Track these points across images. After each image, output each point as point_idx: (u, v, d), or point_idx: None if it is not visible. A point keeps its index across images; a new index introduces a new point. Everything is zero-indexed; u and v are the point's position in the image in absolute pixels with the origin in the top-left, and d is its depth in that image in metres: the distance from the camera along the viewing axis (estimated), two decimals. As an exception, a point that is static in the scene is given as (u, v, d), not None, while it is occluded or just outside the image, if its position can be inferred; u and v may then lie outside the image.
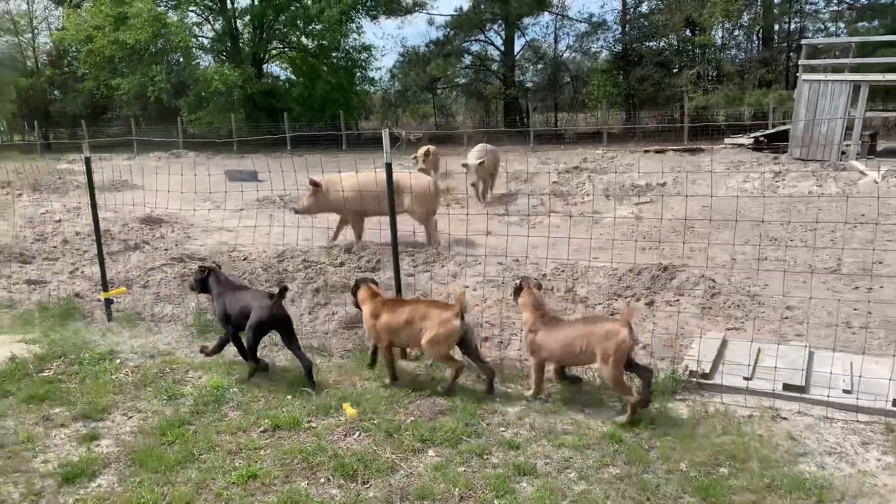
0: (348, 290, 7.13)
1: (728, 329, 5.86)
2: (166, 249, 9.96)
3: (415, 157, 15.74)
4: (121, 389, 4.88)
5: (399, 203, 9.86)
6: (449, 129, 34.28)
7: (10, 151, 33.54)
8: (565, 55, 37.90)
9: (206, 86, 33.26)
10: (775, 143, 23.36)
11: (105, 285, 6.45)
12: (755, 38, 34.08)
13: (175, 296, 7.13)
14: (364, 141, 34.86)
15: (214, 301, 5.26)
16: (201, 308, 6.57)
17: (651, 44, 35.23)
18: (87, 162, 6.37)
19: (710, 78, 31.60)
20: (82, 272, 8.71)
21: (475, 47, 38.61)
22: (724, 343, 5.13)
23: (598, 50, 37.78)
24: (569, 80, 38.01)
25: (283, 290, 5.00)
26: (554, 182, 16.62)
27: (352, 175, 9.98)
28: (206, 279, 5.36)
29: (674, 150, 24.79)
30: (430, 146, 15.82)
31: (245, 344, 5.03)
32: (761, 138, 24.29)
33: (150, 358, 5.52)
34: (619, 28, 36.12)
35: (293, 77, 37.35)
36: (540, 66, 38.19)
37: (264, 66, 39.05)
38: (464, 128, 35.87)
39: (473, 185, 13.51)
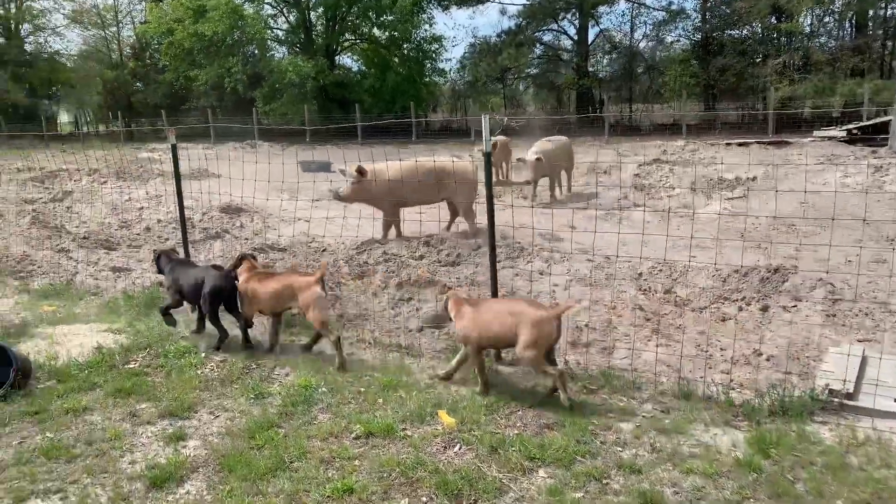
0: (432, 285, 6.86)
1: (859, 341, 5.26)
2: (247, 239, 9.89)
3: (480, 150, 14.76)
4: (206, 385, 4.69)
5: (442, 191, 9.77)
6: (542, 117, 33.64)
7: (95, 140, 34.78)
8: (641, 44, 36.68)
9: (280, 77, 33.67)
10: (870, 136, 21.96)
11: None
12: (847, 24, 32.14)
13: None
14: (433, 132, 34.69)
15: (167, 276, 5.85)
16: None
17: (732, 32, 33.68)
18: (174, 149, 6.24)
19: (797, 67, 29.92)
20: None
21: (547, 37, 37.82)
22: (864, 359, 4.56)
23: (675, 39, 36.48)
24: (644, 69, 36.76)
25: (240, 259, 5.60)
26: (635, 175, 15.94)
27: (395, 164, 9.73)
28: (158, 259, 6.02)
29: (758, 142, 23.60)
30: (499, 137, 14.98)
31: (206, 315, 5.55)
32: (854, 131, 22.87)
33: (235, 352, 5.33)
34: (699, 16, 34.68)
35: (364, 68, 37.38)
36: (614, 55, 37.06)
37: (336, 57, 39.26)
38: (536, 118, 35.20)
39: (530, 182, 12.87)
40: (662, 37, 36.37)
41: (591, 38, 36.87)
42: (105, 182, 17.55)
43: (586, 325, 5.56)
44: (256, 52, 35.94)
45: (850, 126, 23.27)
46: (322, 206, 11.21)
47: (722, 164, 15.92)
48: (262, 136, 31.67)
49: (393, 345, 5.35)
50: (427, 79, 38.35)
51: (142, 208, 13.39)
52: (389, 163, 9.71)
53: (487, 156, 4.92)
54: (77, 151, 27.85)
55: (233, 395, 4.55)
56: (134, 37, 41.36)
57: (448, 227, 10.34)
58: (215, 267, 5.71)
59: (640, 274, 7.23)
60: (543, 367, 4.26)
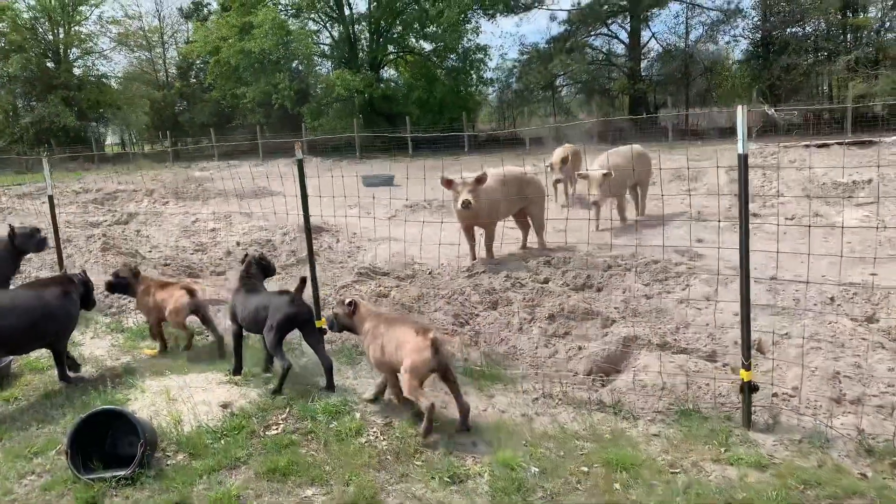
0: (590, 317, 5.84)
1: None
2: (342, 263, 8.97)
3: (549, 166, 12.45)
4: (380, 462, 3.72)
5: (521, 202, 8.98)
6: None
7: (143, 161, 34.63)
8: (697, 46, 35.29)
9: (328, 91, 33.15)
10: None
11: (318, 311, 5.38)
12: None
13: None
14: (480, 143, 33.79)
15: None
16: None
17: (794, 29, 32.17)
18: (300, 165, 5.35)
19: (868, 63, 28.29)
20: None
21: (598, 42, 36.70)
22: None
23: (731, 39, 35.07)
24: (702, 72, 35.38)
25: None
26: (732, 181, 14.75)
27: (495, 172, 8.92)
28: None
29: (839, 143, 22.19)
30: (567, 147, 12.81)
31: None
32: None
33: (400, 413, 4.35)
34: (759, 14, 33.23)
35: (411, 80, 36.66)
36: (669, 58, 35.74)
37: (382, 70, 38.66)
38: (582, 126, 34.08)
39: (595, 201, 10.37)
40: (719, 37, 34.99)
41: (643, 40, 35.71)
42: (167, 203, 16.94)
43: (836, 374, 4.44)
44: (302, 67, 35.50)
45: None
46: (399, 222, 10.34)
47: (808, 168, 14.73)
48: (310, 152, 31.14)
49: (592, 402, 4.31)
50: (473, 88, 37.59)
51: (213, 230, 12.65)
52: (491, 171, 8.86)
53: (744, 158, 3.87)
54: (129, 172, 27.63)
55: (419, 476, 3.57)
56: (179, 56, 41.32)
57: (524, 245, 9.51)
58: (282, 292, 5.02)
59: (832, 298, 6.10)
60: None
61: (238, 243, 10.78)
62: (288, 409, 4.41)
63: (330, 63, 38.08)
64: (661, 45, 36.19)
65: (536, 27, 68.47)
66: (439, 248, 8.06)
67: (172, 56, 42.94)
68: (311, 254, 5.53)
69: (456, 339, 4.62)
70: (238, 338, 5.19)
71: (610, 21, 35.84)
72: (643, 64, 35.95)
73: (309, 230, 5.51)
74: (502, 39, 70.87)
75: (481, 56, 37.21)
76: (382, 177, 19.43)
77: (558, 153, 12.64)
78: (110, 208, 16.37)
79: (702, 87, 35.45)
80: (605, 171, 9.98)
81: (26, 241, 6.58)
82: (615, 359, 5.21)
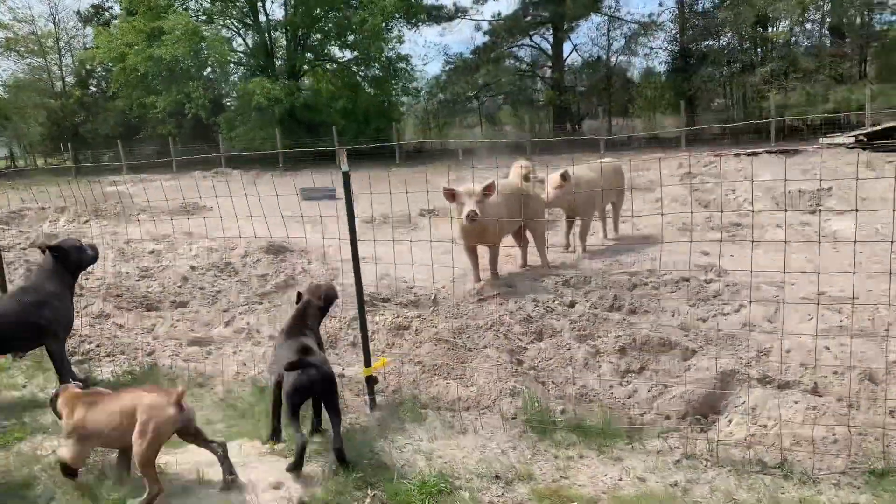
0: (668, 348, 5.15)
1: None
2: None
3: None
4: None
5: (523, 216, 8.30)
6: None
7: (41, 175, 31.62)
8: (619, 58, 36.01)
9: (246, 100, 31.49)
10: (880, 141, 21.45)
11: (368, 357, 4.40)
12: (825, 31, 32.14)
13: (442, 365, 5.02)
14: (410, 154, 33.09)
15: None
16: (529, 392, 4.48)
17: (710, 42, 33.29)
18: (346, 178, 4.37)
19: (782, 75, 29.56)
20: (253, 326, 6.65)
21: (522, 53, 36.82)
22: None
23: (650, 51, 35.99)
24: (622, 83, 36.08)
25: None
26: (695, 190, 14.64)
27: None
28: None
29: (767, 152, 22.89)
30: (523, 162, 11.84)
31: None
32: (861, 137, 22.34)
33: (506, 486, 3.47)
34: (677, 27, 34.20)
35: (334, 90, 35.45)
36: (591, 70, 36.26)
37: (301, 79, 37.21)
38: (508, 137, 33.96)
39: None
40: (639, 49, 35.82)
41: (566, 52, 36.08)
42: (87, 222, 15.17)
43: None
44: (218, 75, 33.66)
45: (857, 133, 22.78)
46: (366, 240, 9.29)
47: (751, 178, 14.87)
48: (227, 164, 29.41)
49: (751, 461, 3.58)
50: (395, 98, 36.80)
51: (153, 252, 11.22)
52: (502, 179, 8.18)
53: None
54: (26, 188, 24.98)
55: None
56: (78, 63, 38.32)
57: (524, 263, 8.78)
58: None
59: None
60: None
61: (193, 267, 9.49)
62: (370, 492, 3.44)
63: (246, 71, 36.25)
64: (582, 57, 36.73)
65: (461, 37, 68.47)
66: (432, 269, 7.20)
67: (70, 63, 39.77)
68: (361, 294, 4.51)
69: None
70: (277, 389, 4.18)
71: (533, 32, 36.01)
72: (567, 76, 36.29)
73: (357, 256, 4.55)
74: (426, 49, 70.52)
75: (404, 65, 36.57)
76: (324, 190, 18.20)
77: (515, 170, 11.43)
78: (20, 229, 14.46)
79: (624, 98, 36.09)
80: (562, 172, 9.14)
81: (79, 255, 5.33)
82: (713, 398, 4.53)
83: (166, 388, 3.66)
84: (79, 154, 35.03)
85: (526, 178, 10.45)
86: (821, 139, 23.93)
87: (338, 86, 36.46)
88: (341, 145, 30.98)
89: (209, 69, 34.12)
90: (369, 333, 5.80)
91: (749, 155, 22.61)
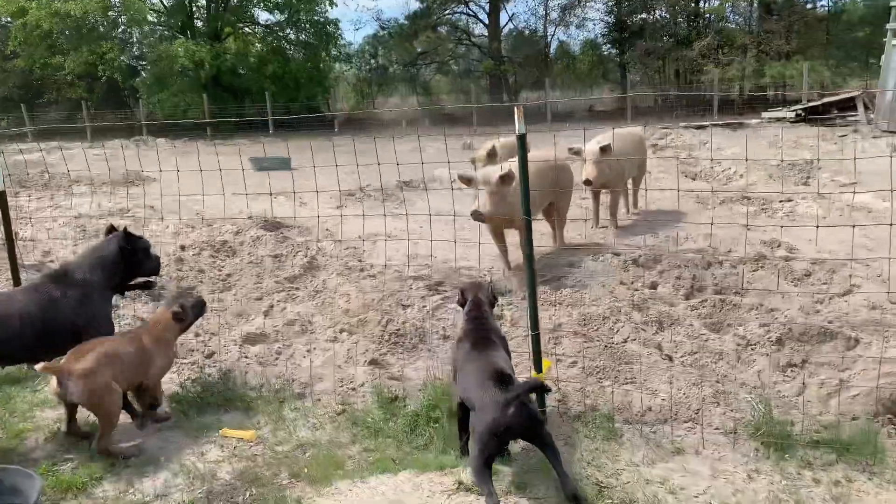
0: (829, 338, 4.61)
1: None
2: (364, 270, 6.90)
3: (473, 160, 9.81)
4: None
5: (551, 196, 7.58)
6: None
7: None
8: (556, 29, 35.68)
9: (169, 63, 29.08)
10: (819, 115, 22.13)
11: (539, 360, 3.60)
12: (756, 7, 32.83)
13: (604, 367, 4.21)
14: (344, 122, 31.71)
15: None
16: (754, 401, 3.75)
17: (645, 16, 33.45)
18: (522, 141, 3.50)
19: (723, 50, 30.04)
20: (304, 317, 5.65)
21: (459, 22, 35.85)
22: None
23: (585, 22, 35.93)
24: (560, 54, 35.88)
25: None
26: (681, 161, 14.44)
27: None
28: None
29: (714, 125, 23.17)
30: (495, 141, 10.16)
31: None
32: (800, 111, 22.98)
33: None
34: (613, -1, 34.13)
35: (263, 54, 33.32)
36: (528, 40, 35.79)
37: (225, 41, 34.80)
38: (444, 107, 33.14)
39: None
40: (575, 20, 35.59)
41: (503, 21, 35.41)
42: (17, 193, 13.32)
43: None
44: (136, 35, 30.95)
45: (798, 107, 23.38)
46: (354, 213, 8.40)
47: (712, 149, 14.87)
48: (149, 132, 27.23)
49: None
50: (326, 64, 35.07)
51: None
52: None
53: None
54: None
55: None
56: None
57: (560, 242, 7.95)
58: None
59: None
60: None
61: (182, 247, 8.27)
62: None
63: (165, 32, 33.49)
64: (517, 27, 36.19)
65: (395, 2, 65.79)
66: (454, 247, 6.37)
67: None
68: (533, 280, 3.67)
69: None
70: (463, 409, 3.34)
71: (468, 0, 35.08)
72: (503, 45, 35.66)
73: (531, 241, 3.65)
74: (358, 14, 66.90)
75: (333, 30, 34.85)
76: (277, 160, 16.84)
77: (486, 145, 9.92)
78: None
79: (560, 69, 35.87)
80: (602, 145, 8.27)
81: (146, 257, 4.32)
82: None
83: None
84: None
85: (492, 154, 9.48)
86: (762, 114, 24.41)
87: (265, 50, 34.37)
88: (273, 113, 29.31)
89: (123, 28, 31.29)
90: (449, 324, 5.01)
91: (697, 128, 22.84)
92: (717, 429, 3.55)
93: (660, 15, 33.19)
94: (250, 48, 34.24)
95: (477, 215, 6.27)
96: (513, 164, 6.87)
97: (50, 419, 3.95)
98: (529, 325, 3.61)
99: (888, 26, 18.61)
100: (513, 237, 7.00)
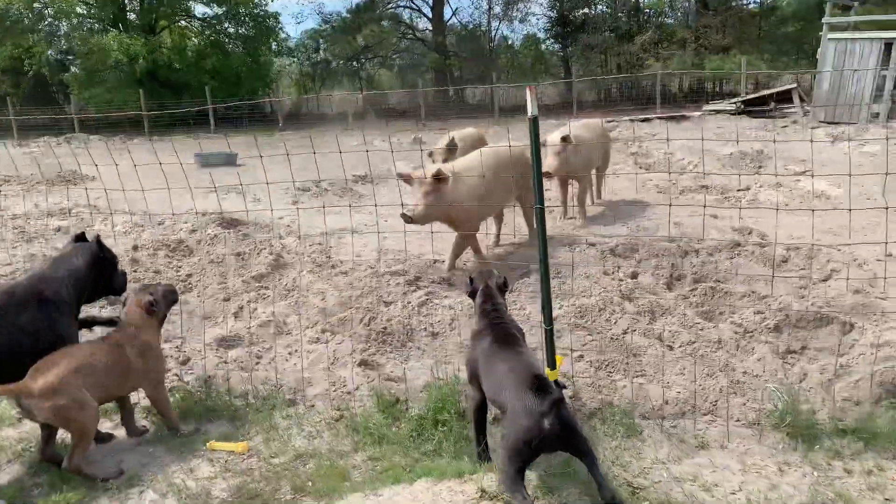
0: (821, 322, 4.59)
1: None
2: (344, 272, 6.58)
3: (430, 154, 9.14)
4: None
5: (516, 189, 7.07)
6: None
7: None
8: (500, 24, 35.74)
9: (103, 57, 27.80)
10: (758, 108, 22.79)
11: (552, 357, 3.40)
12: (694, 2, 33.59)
13: (613, 360, 4.02)
14: (289, 117, 31.00)
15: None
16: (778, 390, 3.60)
17: (587, 10, 33.82)
18: (535, 123, 3.29)
19: (663, 45, 30.63)
20: (279, 318, 5.30)
21: (404, 15, 35.55)
22: None
23: (527, 16, 36.13)
24: (503, 48, 35.95)
25: None
26: (631, 154, 14.57)
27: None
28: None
29: (658, 118, 23.59)
30: (454, 132, 9.68)
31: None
32: (739, 104, 23.64)
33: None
34: (554, -7, 34.37)
35: (202, 48, 32.24)
36: (471, 35, 35.76)
37: (159, 35, 33.52)
38: (389, 102, 32.81)
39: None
40: (516, 16, 35.73)
41: (447, 15, 35.25)
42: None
43: None
44: (63, 28, 29.50)
45: (738, 99, 24.02)
46: (307, 206, 8.02)
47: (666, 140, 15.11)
48: (82, 129, 26.04)
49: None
50: (265, 58, 34.19)
51: (59, 229, 9.23)
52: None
53: None
54: None
55: None
56: None
57: (497, 241, 7.70)
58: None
59: None
60: None
61: (135, 247, 7.78)
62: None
63: (95, 25, 32.01)
64: (460, 21, 36.10)
65: None
66: (431, 240, 6.15)
67: None
68: (547, 275, 3.46)
69: None
70: (481, 412, 3.12)
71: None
72: (447, 40, 35.50)
73: (543, 228, 3.45)
74: (300, 7, 65.30)
75: (274, 24, 34.01)
76: (222, 155, 16.22)
77: (445, 139, 9.35)
78: None
79: (504, 63, 35.93)
80: (563, 135, 8.08)
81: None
82: (901, 376, 4.02)
83: None
84: None
85: (452, 148, 9.03)
86: (704, 106, 24.95)
87: (203, 44, 33.28)
88: (214, 109, 28.35)
89: (50, 20, 29.75)
90: (445, 320, 4.82)
91: (643, 121, 23.23)
92: (738, 421, 3.44)
93: (601, 10, 33.62)
94: (187, 42, 33.12)
95: (406, 217, 5.83)
96: (455, 164, 6.58)
97: (12, 438, 3.56)
98: (543, 320, 3.42)
99: (824, 20, 19.22)
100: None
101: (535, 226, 7.46)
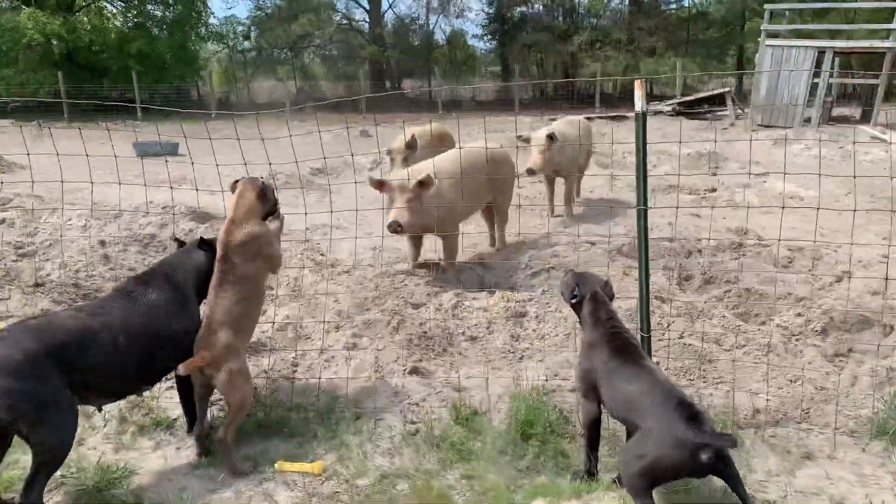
0: (864, 324, 4.61)
1: None
2: (346, 271, 6.21)
3: (389, 152, 8.37)
4: None
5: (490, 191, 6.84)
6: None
7: None
8: (438, 18, 35.54)
9: (16, 36, 25.86)
10: (692, 110, 23.56)
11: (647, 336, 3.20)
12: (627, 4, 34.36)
13: (687, 367, 3.85)
14: (218, 107, 29.80)
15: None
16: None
17: (524, 9, 34.08)
18: (642, 120, 3.09)
19: (599, 45, 31.18)
20: (293, 319, 4.91)
21: (341, 5, 34.84)
22: None
23: (464, 12, 36.09)
24: (439, 45, 35.79)
25: None
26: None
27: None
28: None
29: (599, 117, 24.00)
30: (414, 129, 8.65)
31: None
32: (676, 106, 24.38)
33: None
34: (493, -10, 34.46)
35: (126, 30, 30.49)
36: (409, 28, 35.43)
37: (77, 14, 31.50)
38: (325, 93, 32.12)
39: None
40: (453, 11, 35.64)
41: (384, 7, 34.78)
42: None
43: None
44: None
45: (673, 102, 24.74)
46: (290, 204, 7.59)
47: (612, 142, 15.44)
48: (-9, 114, 24.17)
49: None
50: (192, 44, 32.76)
51: (3, 221, 8.38)
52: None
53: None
54: None
55: None
56: None
57: (494, 242, 7.40)
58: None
59: None
60: None
61: (102, 242, 7.14)
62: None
63: (7, 2, 29.72)
64: (398, 14, 35.71)
65: None
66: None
67: None
68: (646, 278, 3.26)
69: None
70: (596, 427, 2.89)
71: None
72: (385, 33, 35.03)
73: (646, 225, 3.26)
74: None
75: (202, 7, 32.61)
76: (166, 145, 15.32)
77: (405, 136, 8.41)
78: None
79: (440, 57, 35.78)
80: (549, 133, 7.94)
81: None
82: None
83: None
84: None
85: (411, 146, 8.32)
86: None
87: (126, 27, 31.51)
88: (139, 94, 26.91)
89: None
90: (482, 324, 4.60)
91: (587, 119, 23.52)
92: (837, 429, 3.36)
93: (538, 9, 33.94)
94: (107, 23, 31.28)
95: (395, 227, 5.58)
96: (425, 165, 6.25)
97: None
98: (639, 327, 3.24)
99: (763, 27, 19.98)
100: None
101: (504, 230, 7.26)
